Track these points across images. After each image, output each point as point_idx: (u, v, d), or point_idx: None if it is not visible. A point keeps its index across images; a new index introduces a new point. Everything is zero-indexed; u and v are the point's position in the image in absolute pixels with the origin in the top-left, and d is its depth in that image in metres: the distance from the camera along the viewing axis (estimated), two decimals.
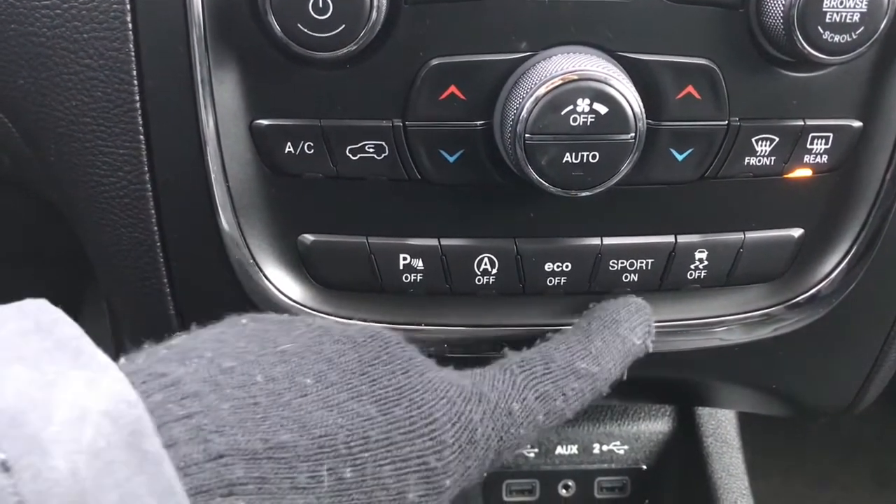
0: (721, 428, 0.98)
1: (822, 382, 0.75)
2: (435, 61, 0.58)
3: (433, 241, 0.64)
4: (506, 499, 0.99)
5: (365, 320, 0.65)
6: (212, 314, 0.65)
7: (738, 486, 0.94)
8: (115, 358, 0.46)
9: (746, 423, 1.04)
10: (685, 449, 0.99)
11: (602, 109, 0.57)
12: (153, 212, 0.61)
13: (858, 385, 0.75)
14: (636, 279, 0.65)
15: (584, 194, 0.59)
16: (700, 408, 0.99)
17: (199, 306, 0.65)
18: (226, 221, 0.61)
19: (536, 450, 0.98)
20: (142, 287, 0.64)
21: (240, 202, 0.61)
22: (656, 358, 0.70)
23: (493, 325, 0.67)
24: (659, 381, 0.76)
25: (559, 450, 0.99)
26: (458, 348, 0.67)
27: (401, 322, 0.66)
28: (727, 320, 0.68)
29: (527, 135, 0.57)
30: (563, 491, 1.00)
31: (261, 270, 0.63)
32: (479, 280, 0.65)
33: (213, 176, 0.60)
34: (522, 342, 0.67)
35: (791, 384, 0.75)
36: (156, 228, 0.62)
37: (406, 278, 0.64)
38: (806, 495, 1.39)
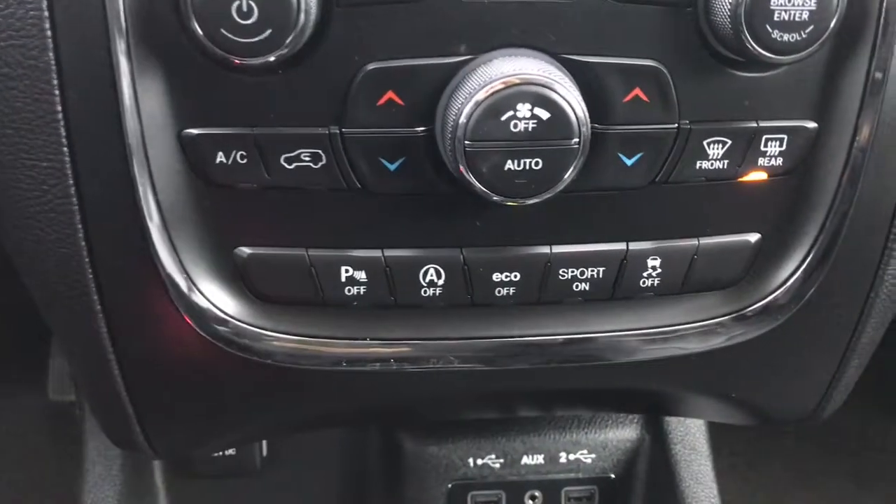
0: (689, 435, 0.97)
1: (782, 391, 0.73)
2: (371, 66, 0.56)
3: (376, 253, 0.61)
4: None
5: (306, 336, 0.63)
6: (145, 333, 0.63)
7: (706, 494, 0.92)
8: None
9: (720, 424, 1.02)
10: (653, 457, 0.97)
11: (544, 115, 0.55)
12: (80, 226, 0.59)
13: (821, 393, 0.73)
14: (587, 288, 0.63)
15: (529, 202, 0.57)
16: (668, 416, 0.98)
17: (132, 325, 0.63)
18: (156, 236, 0.59)
19: (502, 460, 0.96)
20: (71, 305, 0.61)
21: (171, 215, 0.59)
22: (614, 369, 0.68)
23: (441, 338, 0.64)
24: (620, 391, 0.74)
25: (525, 459, 0.97)
26: (405, 363, 0.64)
27: (344, 337, 0.63)
28: (682, 329, 0.66)
29: (467, 141, 0.55)
30: (530, 502, 0.98)
31: (195, 286, 0.60)
32: (425, 292, 0.62)
33: (140, 188, 0.58)
34: (471, 356, 0.65)
35: (751, 393, 0.73)
36: (83, 244, 0.59)
37: (349, 291, 0.61)
38: (783, 497, 1.37)
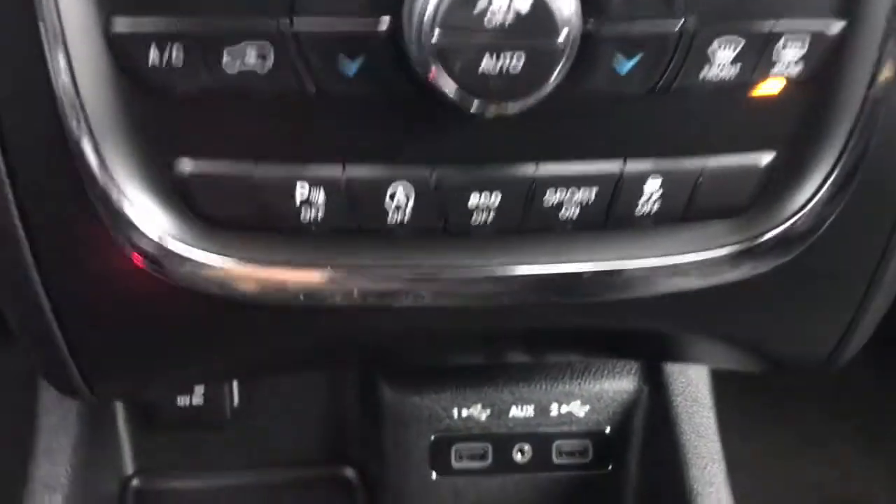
0: (692, 386, 0.89)
1: (796, 333, 0.66)
2: None
3: (335, 169, 0.54)
4: (455, 464, 0.90)
5: (258, 262, 0.55)
6: (75, 259, 0.56)
7: (708, 449, 0.85)
8: None
9: (723, 381, 0.96)
10: (652, 409, 0.90)
11: (523, 7, 0.47)
12: None
13: (838, 335, 0.65)
14: (577, 214, 0.56)
15: (509, 110, 0.50)
16: (668, 365, 0.90)
17: (60, 250, 0.55)
18: (85, 147, 0.51)
19: (489, 411, 0.89)
20: None
21: (99, 124, 0.51)
22: (607, 307, 0.60)
23: (412, 266, 0.57)
24: (613, 334, 0.67)
25: (513, 411, 0.90)
26: (370, 296, 0.57)
27: (300, 264, 0.56)
28: (683, 263, 0.58)
29: (435, 36, 0.47)
30: (519, 455, 0.91)
31: (128, 203, 0.53)
32: (391, 216, 0.55)
33: (61, 92, 0.50)
34: (444, 290, 0.58)
35: (761, 335, 0.65)
36: (0, 158, 0.52)
37: (304, 214, 0.54)
38: (788, 456, 1.31)
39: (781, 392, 1.39)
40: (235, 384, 0.93)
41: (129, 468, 0.94)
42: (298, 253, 0.56)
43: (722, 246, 0.58)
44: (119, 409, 0.93)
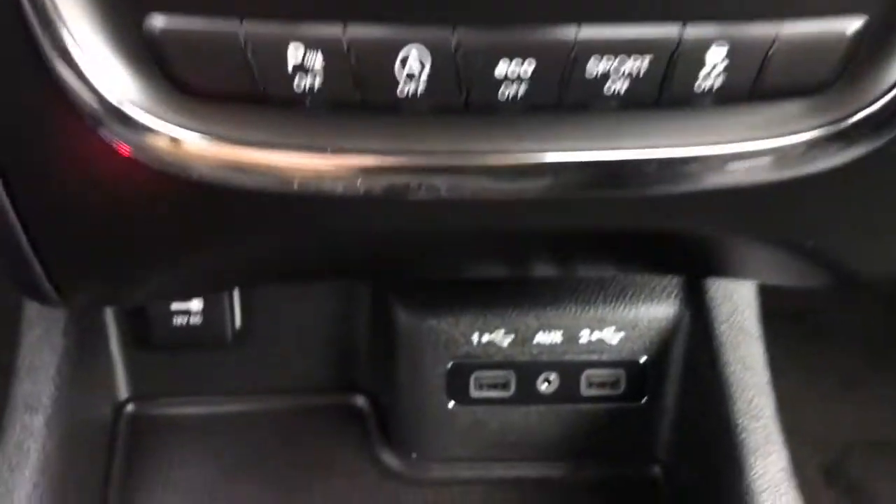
0: (738, 313, 0.81)
1: (876, 241, 0.56)
2: None
3: (335, 28, 0.45)
4: (474, 394, 0.83)
5: (242, 141, 0.47)
6: (36, 139, 0.48)
7: (756, 382, 0.77)
8: None
9: (764, 318, 0.87)
10: (693, 338, 0.81)
11: None
12: None
13: None
14: (625, 89, 0.46)
15: None
16: (712, 289, 0.81)
17: (15, 127, 0.47)
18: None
19: (512, 336, 0.81)
20: None
21: None
22: (658, 205, 0.51)
23: (427, 151, 0.48)
24: (664, 238, 0.58)
25: (539, 337, 0.82)
26: (376, 186, 0.48)
27: (297, 145, 0.47)
28: (750, 151, 0.49)
29: None
30: (544, 385, 0.83)
31: (92, 65, 0.44)
32: (402, 87, 0.46)
33: None
34: (464, 180, 0.49)
35: (832, 241, 0.56)
36: None
37: (298, 83, 0.45)
38: (831, 397, 1.23)
39: (820, 330, 1.33)
40: (237, 303, 0.85)
41: (124, 392, 0.88)
42: (291, 131, 0.47)
43: (797, 131, 0.48)
44: (112, 328, 0.86)
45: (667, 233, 0.56)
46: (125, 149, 0.47)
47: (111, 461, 0.83)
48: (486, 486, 0.84)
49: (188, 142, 0.46)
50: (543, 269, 0.75)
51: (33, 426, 0.71)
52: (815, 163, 0.49)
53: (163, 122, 0.46)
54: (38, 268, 0.54)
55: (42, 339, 0.76)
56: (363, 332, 0.87)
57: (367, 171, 0.48)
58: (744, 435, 0.73)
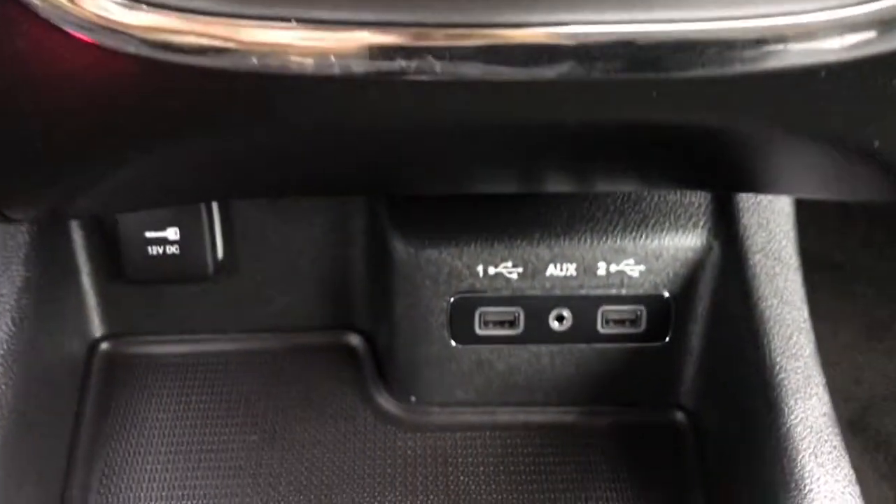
0: (774, 241, 0.72)
1: None
2: None
3: None
4: (479, 331, 0.75)
5: (190, 8, 0.38)
6: None
7: (795, 317, 0.69)
8: None
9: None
10: (723, 270, 0.73)
11: None
12: None
13: None
14: None
15: None
16: (745, 216, 0.73)
17: None
18: None
19: (521, 269, 0.73)
20: None
21: None
22: (698, 91, 0.43)
23: (415, 23, 0.40)
24: (701, 136, 0.49)
25: (551, 270, 0.74)
26: (355, 64, 0.40)
27: (254, 14, 0.39)
28: (810, 23, 0.40)
29: None
30: (556, 323, 0.76)
31: None
32: None
33: None
34: (466, 58, 0.40)
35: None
36: None
37: None
38: (855, 346, 1.18)
39: (846, 279, 1.26)
40: (219, 232, 0.78)
41: (98, 330, 0.81)
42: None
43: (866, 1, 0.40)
44: (83, 259, 0.78)
45: (710, 130, 0.47)
46: (54, 20, 0.39)
47: (83, 403, 0.77)
48: (491, 432, 0.77)
49: (121, 8, 0.38)
50: (554, 183, 0.66)
51: None
52: (885, 41, 0.40)
53: None
54: None
55: None
56: (358, 265, 0.79)
57: (340, 47, 0.39)
58: (782, 375, 0.65)
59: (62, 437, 0.74)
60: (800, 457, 0.61)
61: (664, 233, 0.74)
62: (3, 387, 0.65)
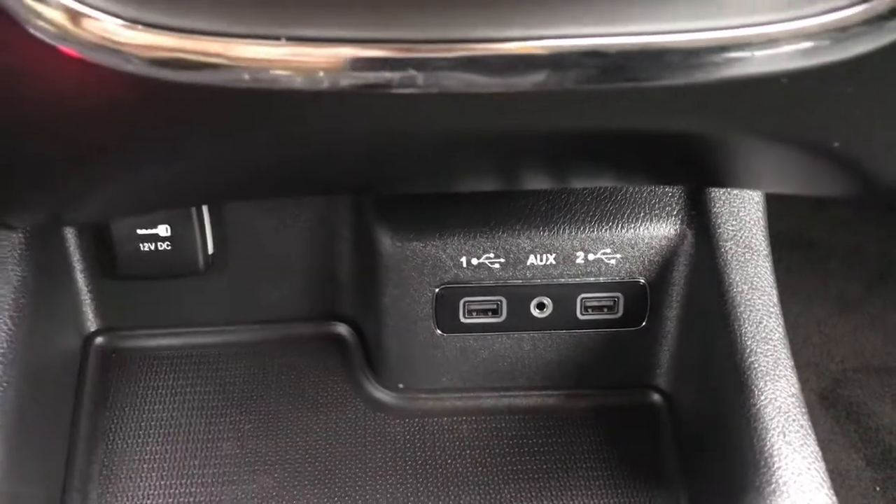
0: (744, 230, 0.75)
1: None
2: None
3: None
4: (463, 320, 0.78)
5: (187, 29, 0.40)
6: None
7: (764, 302, 0.72)
8: None
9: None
10: (696, 257, 0.76)
11: None
12: None
13: None
14: None
15: None
16: (717, 206, 0.76)
17: None
18: None
19: (503, 260, 0.76)
20: None
21: None
22: (666, 98, 0.45)
23: (401, 38, 0.42)
24: (670, 138, 0.52)
25: (532, 259, 0.76)
26: (340, 78, 0.42)
27: (244, 33, 0.41)
28: (776, 32, 0.43)
29: None
30: (537, 311, 0.78)
31: None
32: None
33: None
34: (450, 69, 0.43)
35: (858, 141, 0.50)
36: None
37: None
38: (827, 321, 1.21)
39: (816, 255, 1.29)
40: (209, 228, 0.79)
41: (92, 325, 0.83)
42: (243, 15, 0.41)
43: (830, 10, 0.43)
44: (75, 256, 0.80)
45: (679, 133, 0.50)
46: (51, 35, 0.40)
47: (80, 397, 0.79)
48: (477, 416, 0.80)
49: (121, 28, 0.40)
50: (534, 181, 0.69)
51: None
52: (847, 47, 0.43)
53: (92, 7, 0.40)
54: None
55: None
56: (344, 257, 0.82)
57: (328, 62, 0.42)
58: (752, 358, 0.69)
59: (63, 429, 0.76)
60: (769, 436, 0.64)
61: (639, 222, 0.77)
62: (5, 385, 0.67)
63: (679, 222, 0.77)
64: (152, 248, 0.78)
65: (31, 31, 0.40)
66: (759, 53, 0.43)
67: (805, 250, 1.27)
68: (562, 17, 0.42)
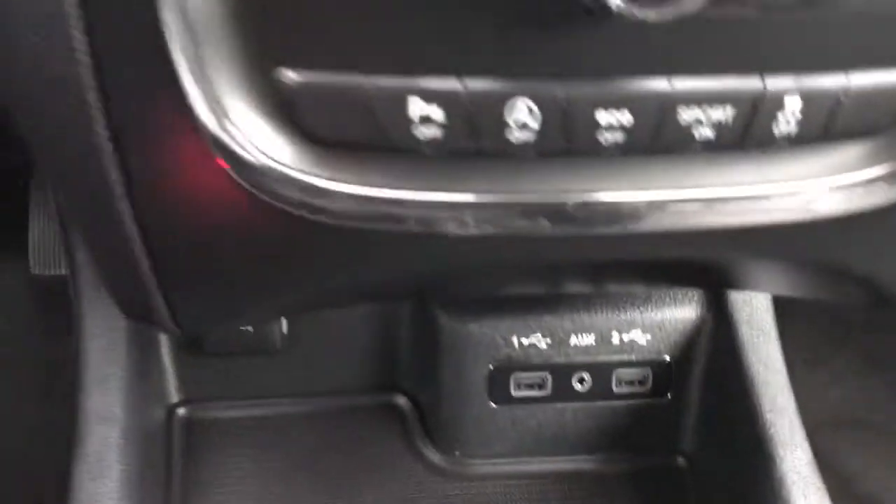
0: (757, 316, 0.87)
1: None
2: None
3: (453, 82, 0.49)
4: (514, 393, 0.88)
5: (369, 183, 0.51)
6: (170, 181, 0.51)
7: (777, 380, 0.84)
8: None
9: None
10: (715, 338, 0.88)
11: None
12: (83, 36, 0.46)
13: None
14: (713, 135, 0.52)
15: (652, 15, 0.45)
16: (733, 294, 0.88)
17: (153, 171, 0.50)
18: (177, 54, 0.46)
19: (549, 340, 0.86)
20: (77, 144, 0.49)
21: (195, 25, 0.46)
22: (714, 235, 0.57)
23: (531, 189, 0.53)
24: (720, 262, 0.64)
25: (574, 340, 0.87)
26: (486, 222, 0.53)
27: (417, 188, 0.51)
28: (816, 188, 0.55)
29: None
30: (578, 385, 0.89)
31: (227, 117, 0.48)
32: (514, 135, 0.50)
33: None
34: (566, 215, 0.54)
35: (879, 266, 0.62)
36: (87, 57, 0.47)
37: (420, 132, 0.49)
38: (795, 379, 1.31)
39: (787, 315, 1.40)
40: None
41: (175, 397, 0.91)
42: (412, 178, 0.51)
43: (861, 167, 0.55)
44: (163, 336, 0.88)
45: (706, 260, 0.61)
46: (253, 189, 0.50)
47: (170, 465, 0.86)
48: (526, 479, 0.89)
49: (321, 188, 0.50)
50: (578, 289, 0.81)
51: (110, 438, 0.74)
52: (873, 197, 0.55)
53: (296, 171, 0.50)
54: (160, 297, 0.57)
55: (105, 351, 0.79)
56: (404, 337, 0.91)
57: (476, 207, 0.52)
58: (772, 430, 0.80)
59: (158, 495, 0.84)
60: (792, 498, 0.75)
61: (666, 307, 0.88)
62: (121, 456, 0.74)
63: (700, 308, 0.88)
64: (237, 329, 0.87)
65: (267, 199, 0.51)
66: (796, 204, 0.55)
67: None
68: (657, 177, 0.53)
